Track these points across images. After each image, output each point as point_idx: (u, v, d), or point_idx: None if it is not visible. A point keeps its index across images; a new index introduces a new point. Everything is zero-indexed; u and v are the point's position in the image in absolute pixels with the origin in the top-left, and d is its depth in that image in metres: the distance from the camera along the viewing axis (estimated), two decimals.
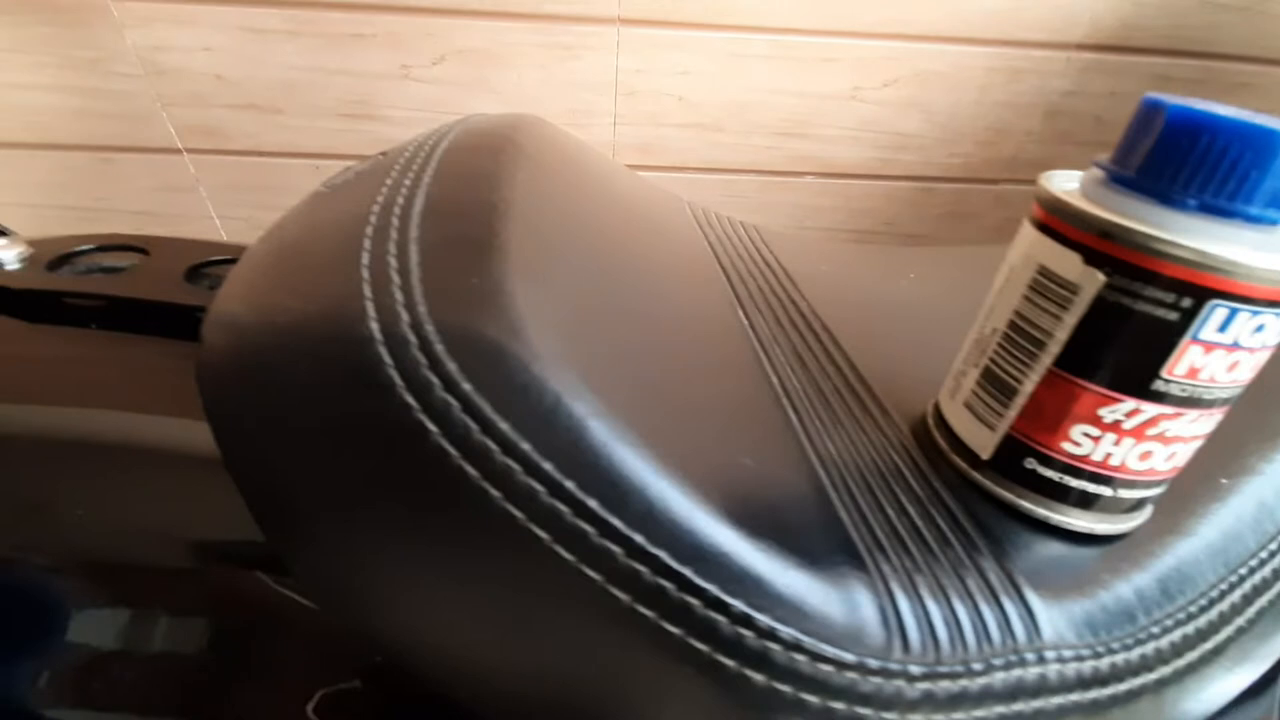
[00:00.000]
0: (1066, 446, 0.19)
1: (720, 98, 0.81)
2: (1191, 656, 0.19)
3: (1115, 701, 0.18)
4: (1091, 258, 0.17)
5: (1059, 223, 0.18)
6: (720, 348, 0.22)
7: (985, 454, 0.21)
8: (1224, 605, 0.20)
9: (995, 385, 0.20)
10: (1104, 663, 0.18)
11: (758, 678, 0.15)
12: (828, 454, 0.20)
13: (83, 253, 0.27)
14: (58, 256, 0.26)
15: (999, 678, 0.17)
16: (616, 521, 0.14)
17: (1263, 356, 0.17)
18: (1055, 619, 0.18)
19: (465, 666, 0.16)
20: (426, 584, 0.15)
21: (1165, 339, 0.17)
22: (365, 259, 0.17)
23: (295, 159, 0.82)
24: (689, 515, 0.15)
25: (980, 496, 0.21)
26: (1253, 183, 0.16)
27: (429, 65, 0.76)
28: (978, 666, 0.17)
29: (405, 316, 0.15)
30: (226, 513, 0.21)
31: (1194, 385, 0.17)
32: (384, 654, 0.20)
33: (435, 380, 0.14)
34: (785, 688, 0.15)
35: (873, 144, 0.85)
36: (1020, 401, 0.20)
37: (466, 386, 0.14)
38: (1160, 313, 0.17)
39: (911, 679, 0.16)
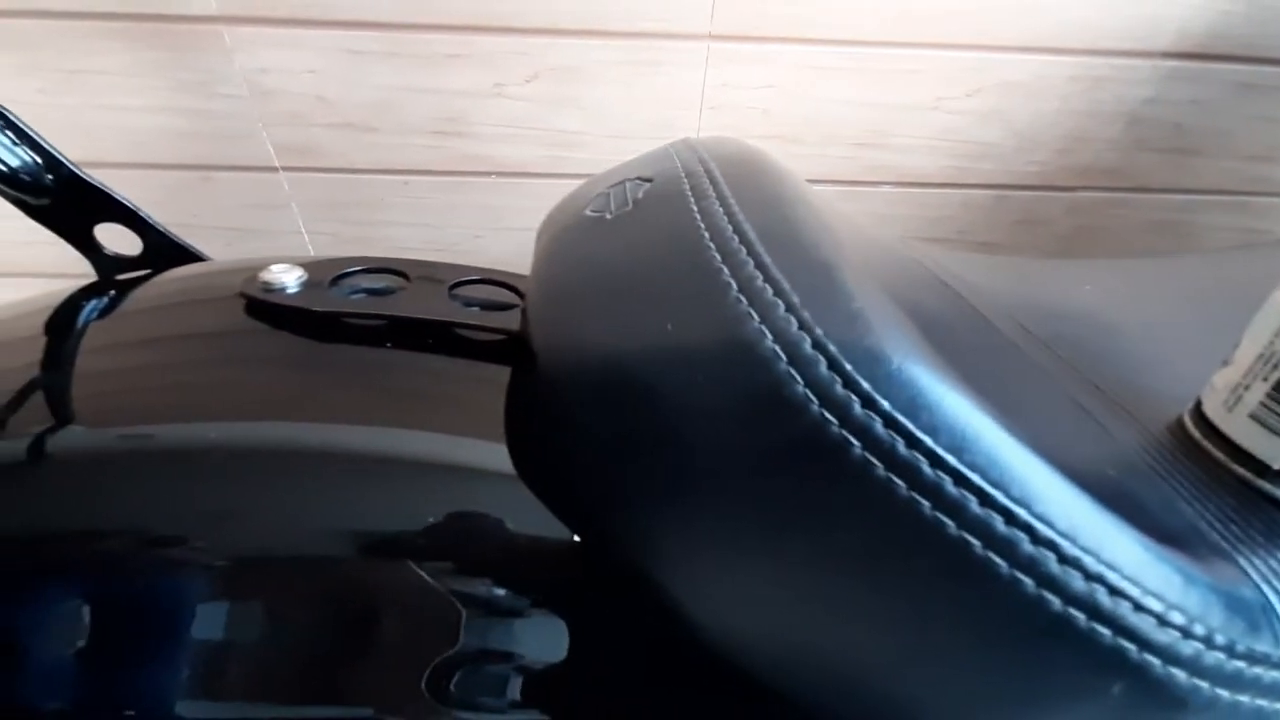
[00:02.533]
0: None
1: (802, 110, 0.82)
2: None
3: None
4: None
5: None
6: (1007, 359, 0.23)
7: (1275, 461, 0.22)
8: None
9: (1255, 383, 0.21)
10: None
11: (1179, 675, 0.15)
12: (1122, 456, 0.21)
13: (351, 274, 0.29)
14: (334, 278, 0.28)
15: None
16: (1041, 526, 0.15)
17: None
18: None
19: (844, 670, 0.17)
20: (844, 596, 0.16)
21: None
22: (733, 284, 0.18)
23: (385, 175, 0.84)
24: (1089, 514, 0.16)
25: (1270, 504, 0.22)
26: None
27: (522, 83, 0.78)
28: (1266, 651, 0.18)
29: (805, 338, 0.16)
30: (525, 533, 0.22)
31: None
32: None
33: (854, 398, 0.15)
34: (1155, 661, 0.16)
35: (950, 153, 0.86)
36: None
37: (885, 404, 0.15)
38: None
39: (1257, 661, 0.17)
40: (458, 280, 0.29)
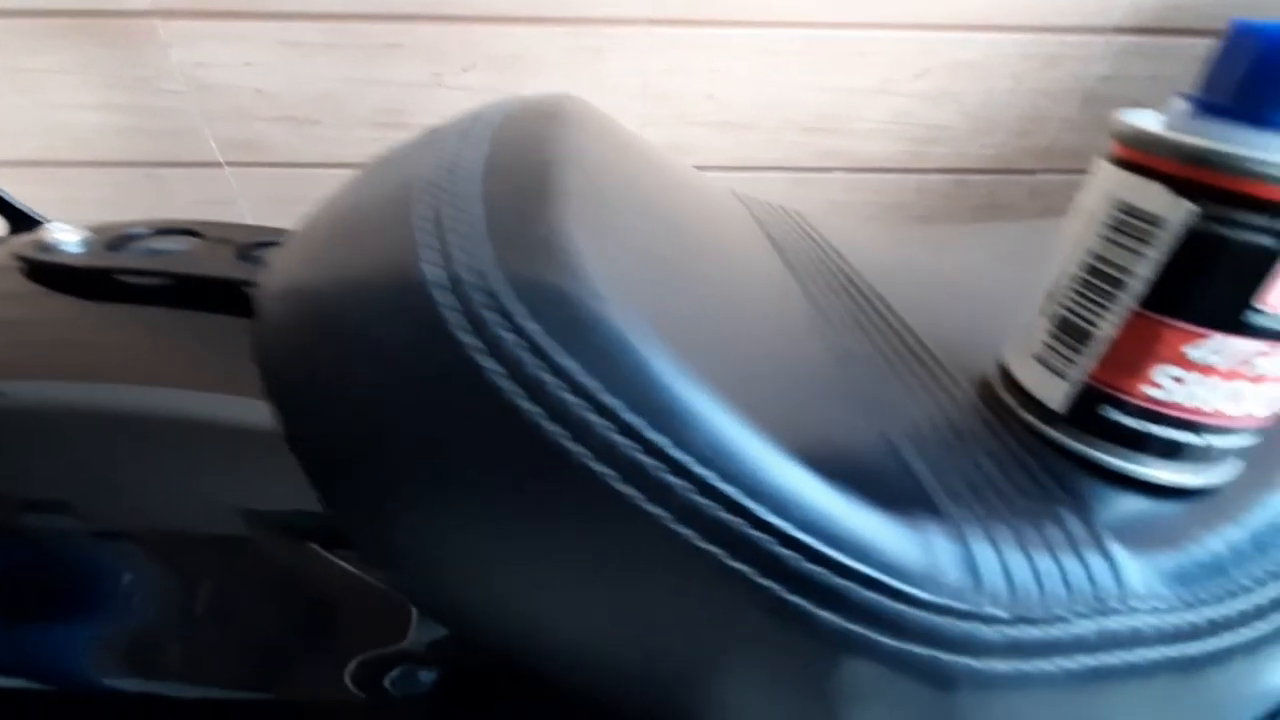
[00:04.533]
0: (1148, 390, 0.18)
1: (750, 95, 0.81)
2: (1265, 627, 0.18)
3: (1211, 659, 0.17)
4: (1181, 188, 0.17)
5: (1143, 156, 0.18)
6: (778, 307, 0.21)
7: (1059, 406, 0.20)
8: None
9: (1069, 332, 0.20)
10: (1197, 616, 0.17)
11: (829, 617, 0.14)
12: (895, 409, 0.20)
13: (140, 236, 0.28)
14: (116, 238, 0.27)
15: (1087, 627, 0.16)
16: (685, 458, 0.14)
17: None
18: (1143, 571, 0.17)
19: (533, 615, 0.16)
20: (495, 530, 0.15)
21: (1259, 266, 0.16)
22: (426, 211, 0.17)
23: (332, 169, 0.83)
24: (760, 452, 0.15)
25: (1055, 452, 0.20)
26: None
27: (460, 72, 0.78)
28: (1062, 614, 0.16)
29: (465, 259, 0.15)
30: (281, 488, 0.21)
31: None
32: (446, 618, 0.19)
33: (498, 318, 0.14)
34: (857, 627, 0.15)
35: (903, 137, 0.84)
36: (1096, 347, 0.19)
37: (532, 326, 0.14)
38: (1256, 239, 0.16)
39: (991, 622, 0.15)
40: (252, 241, 0.28)
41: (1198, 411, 0.18)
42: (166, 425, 0.22)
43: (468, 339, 0.14)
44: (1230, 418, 0.18)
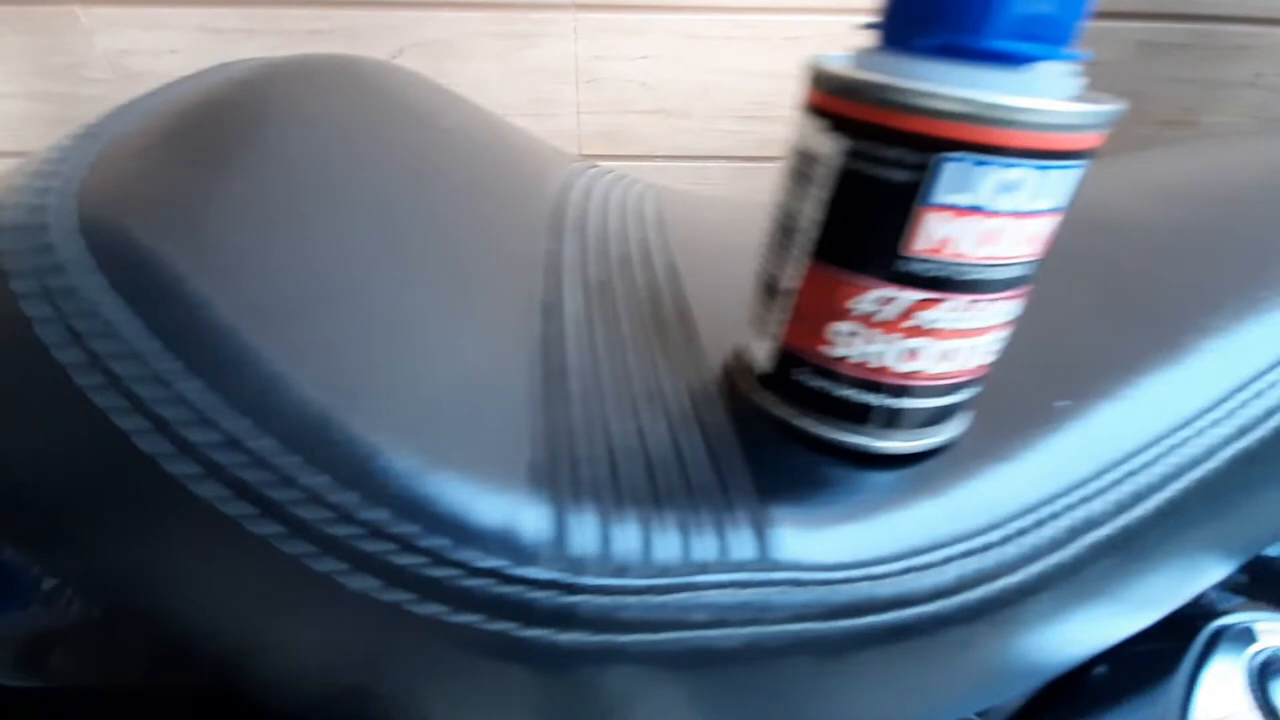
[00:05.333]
0: (825, 350, 0.17)
1: (684, 82, 0.79)
2: (983, 592, 0.17)
3: (872, 636, 0.16)
4: (834, 123, 0.15)
5: (811, 93, 0.16)
6: (480, 276, 0.20)
7: (762, 370, 0.19)
8: (1035, 538, 0.18)
9: (766, 290, 0.18)
10: (855, 590, 0.16)
11: (363, 582, 0.13)
12: (575, 371, 0.18)
13: None
14: None
15: (702, 597, 0.15)
16: (221, 401, 0.13)
17: (1032, 227, 0.15)
18: (802, 542, 0.16)
19: (226, 645, 0.15)
20: (145, 563, 0.14)
21: (902, 207, 0.15)
22: (44, 158, 0.16)
23: None
24: (306, 402, 0.13)
25: (758, 418, 0.19)
26: (991, 9, 0.13)
27: (388, 58, 0.77)
28: (668, 582, 0.15)
29: (50, 199, 0.14)
30: None
31: (942, 263, 0.15)
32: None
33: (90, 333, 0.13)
34: (399, 594, 0.13)
35: None
36: (784, 303, 0.18)
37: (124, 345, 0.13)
38: (895, 175, 0.14)
39: (563, 589, 0.14)
40: None
41: (877, 371, 0.17)
42: None
43: (64, 356, 0.13)
44: (913, 377, 0.17)
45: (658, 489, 0.16)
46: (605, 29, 0.76)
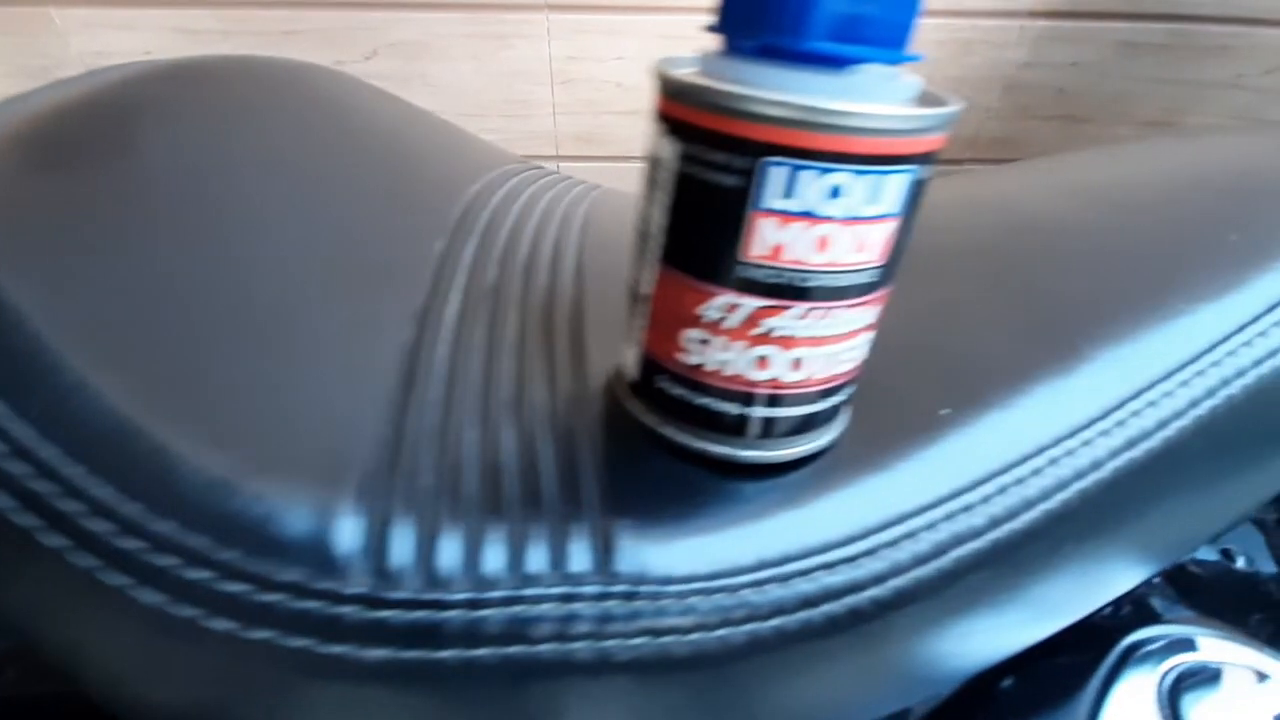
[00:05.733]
0: (681, 358, 0.17)
1: None
2: (846, 604, 0.16)
3: (726, 651, 0.16)
4: (670, 127, 0.15)
5: (658, 99, 0.16)
6: (355, 281, 0.19)
7: (631, 377, 0.18)
8: (902, 551, 0.17)
9: (630, 295, 0.18)
10: (707, 603, 0.15)
11: (152, 596, 0.13)
12: (437, 377, 0.18)
13: None
14: None
15: (533, 610, 0.14)
16: (9, 410, 0.12)
17: (868, 233, 0.14)
18: (650, 553, 0.15)
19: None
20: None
21: (732, 212, 0.14)
22: None
23: None
24: (105, 412, 0.13)
25: (628, 427, 0.18)
26: (808, 9, 0.13)
27: (361, 60, 0.77)
28: (493, 595, 0.14)
29: None
30: None
31: (781, 269, 0.15)
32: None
33: None
34: (188, 609, 0.13)
35: None
36: (643, 308, 0.17)
37: None
38: (723, 179, 0.14)
39: (372, 603, 0.14)
40: None
41: (732, 379, 0.16)
42: None
43: None
44: (767, 385, 0.16)
45: (499, 499, 0.15)
46: (580, 30, 0.75)
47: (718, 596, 0.15)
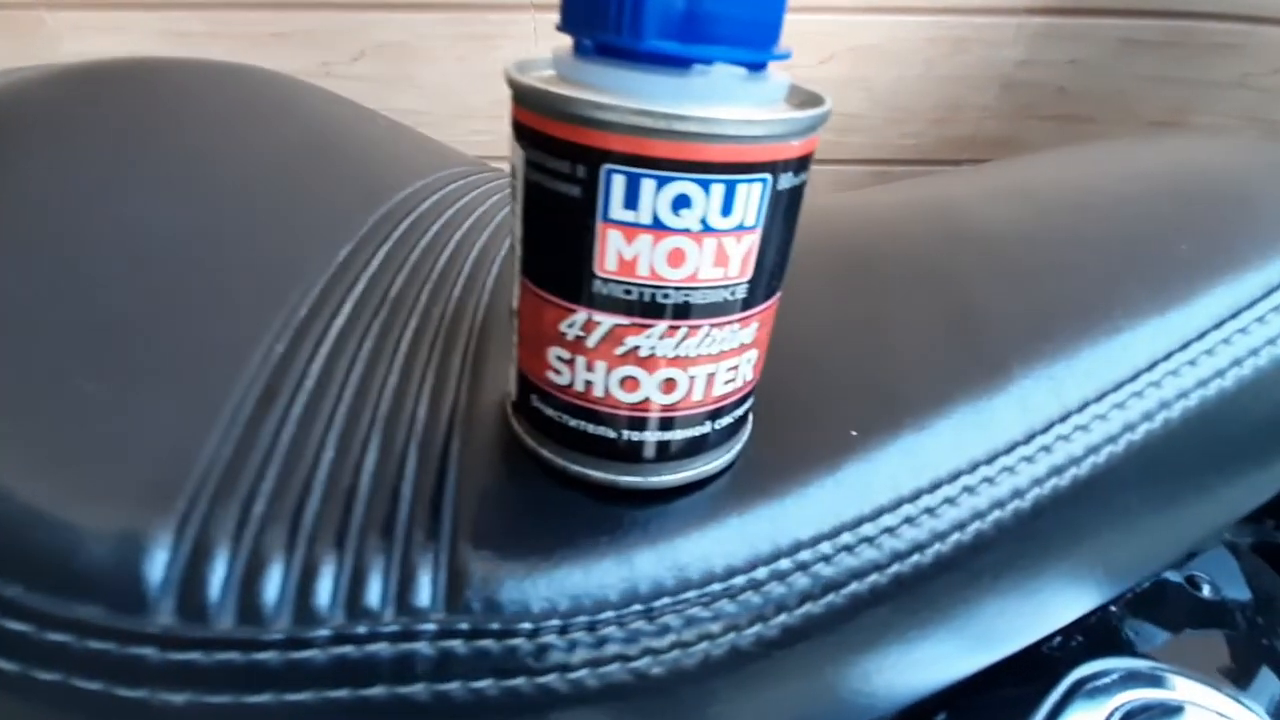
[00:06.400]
0: (551, 376, 0.15)
1: None
2: (707, 648, 0.15)
3: (584, 695, 0.14)
4: (517, 132, 0.14)
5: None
6: (236, 293, 0.18)
7: (513, 397, 0.17)
8: (786, 590, 0.16)
9: (507, 310, 0.17)
10: (568, 642, 0.14)
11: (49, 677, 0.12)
12: (305, 393, 0.17)
13: None
14: None
15: (366, 648, 0.13)
16: None
17: (727, 247, 0.13)
18: (506, 588, 0.14)
19: None
20: None
21: (579, 223, 0.13)
22: None
23: None
24: None
25: (512, 449, 0.17)
26: (640, 6, 0.12)
27: (349, 62, 0.76)
28: (319, 634, 0.13)
29: None
30: None
31: (637, 284, 0.13)
32: None
33: None
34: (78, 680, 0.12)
35: None
36: (515, 324, 0.16)
37: None
38: (568, 189, 0.13)
39: (174, 644, 0.13)
40: None
41: (602, 400, 0.15)
42: None
43: None
44: (639, 408, 0.15)
45: (344, 526, 0.15)
46: None
47: (577, 635, 0.14)
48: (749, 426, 0.18)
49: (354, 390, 0.18)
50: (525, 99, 0.13)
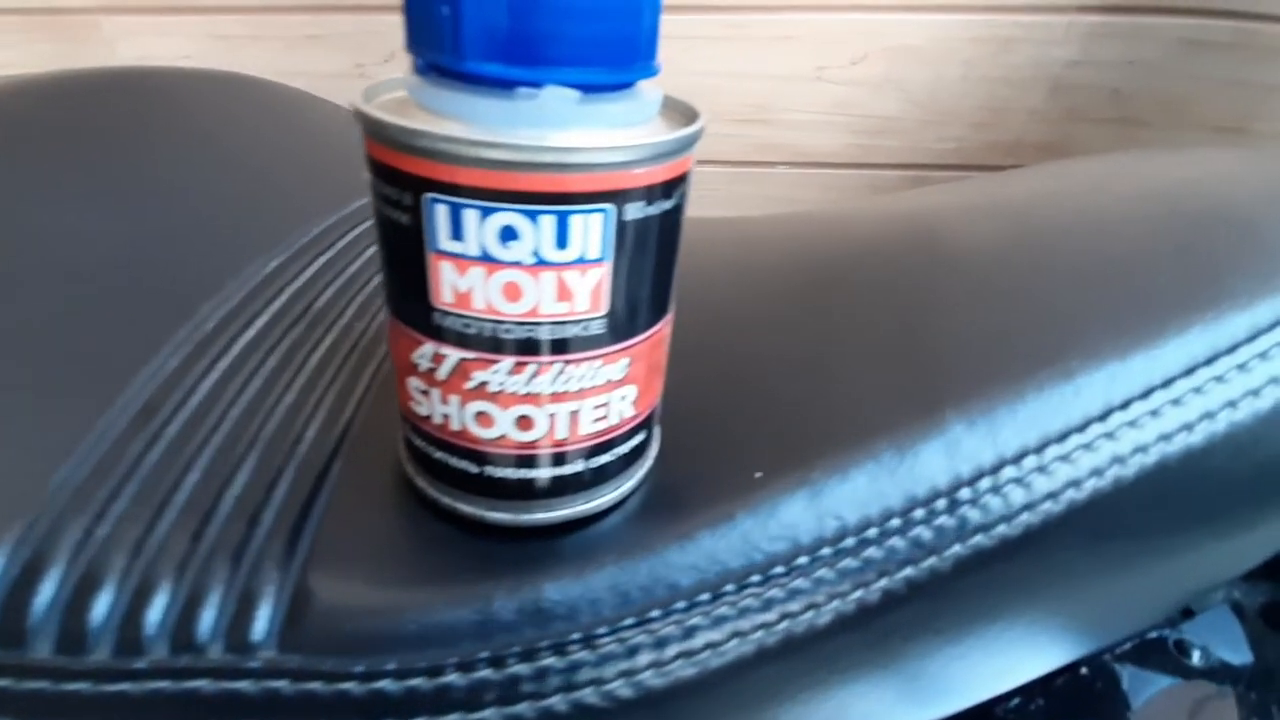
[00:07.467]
0: (413, 407, 0.15)
1: (674, 84, 0.77)
2: (529, 711, 0.14)
3: None
4: (366, 158, 0.13)
5: None
6: (135, 306, 0.18)
7: (404, 429, 0.17)
8: (660, 652, 0.15)
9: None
10: (367, 692, 0.13)
11: None
12: (190, 409, 0.17)
13: None
14: None
15: (184, 684, 0.13)
16: None
17: (570, 281, 0.12)
18: (334, 631, 0.14)
19: None
20: None
21: (412, 253, 0.12)
22: None
23: None
24: None
25: (396, 478, 0.17)
26: (458, 25, 0.11)
27: (381, 62, 0.78)
28: (113, 665, 0.13)
29: None
30: None
31: (474, 318, 0.13)
32: None
33: None
34: None
35: (848, 129, 0.77)
36: (390, 352, 0.16)
37: None
38: (400, 217, 0.12)
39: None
40: None
41: (460, 434, 0.14)
42: None
43: None
44: (496, 444, 0.14)
45: (192, 551, 0.14)
46: None
47: (415, 681, 0.14)
48: (646, 463, 0.17)
49: (243, 408, 0.17)
50: (364, 124, 0.12)
